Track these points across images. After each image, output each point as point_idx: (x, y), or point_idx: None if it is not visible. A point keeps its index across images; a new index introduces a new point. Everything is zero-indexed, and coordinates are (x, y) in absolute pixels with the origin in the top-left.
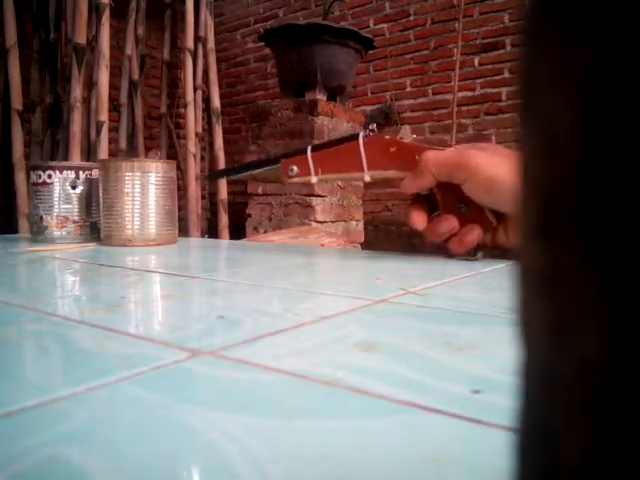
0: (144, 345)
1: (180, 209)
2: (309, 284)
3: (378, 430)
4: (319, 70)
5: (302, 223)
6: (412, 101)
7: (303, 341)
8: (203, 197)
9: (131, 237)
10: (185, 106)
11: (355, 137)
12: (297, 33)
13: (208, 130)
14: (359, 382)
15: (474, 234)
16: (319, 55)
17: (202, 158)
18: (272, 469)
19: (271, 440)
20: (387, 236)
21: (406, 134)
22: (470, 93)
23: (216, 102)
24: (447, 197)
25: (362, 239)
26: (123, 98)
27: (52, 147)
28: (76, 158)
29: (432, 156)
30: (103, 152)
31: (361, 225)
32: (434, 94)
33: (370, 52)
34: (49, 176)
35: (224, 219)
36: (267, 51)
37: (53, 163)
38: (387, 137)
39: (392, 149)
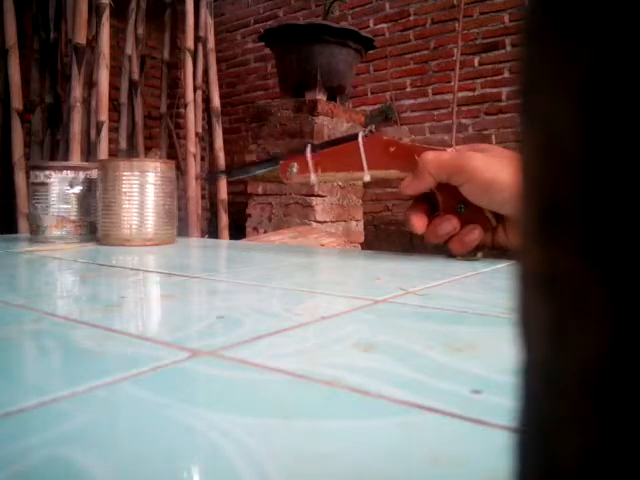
0: (144, 345)
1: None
2: (309, 284)
3: (378, 430)
4: (319, 70)
5: (302, 223)
6: (412, 101)
7: (303, 341)
8: (203, 197)
9: (129, 237)
10: (185, 106)
11: (355, 137)
12: (297, 33)
13: (208, 130)
14: (359, 382)
15: (475, 234)
16: (319, 55)
17: (202, 158)
18: (272, 469)
19: (271, 440)
20: (387, 236)
21: (404, 134)
22: (470, 93)
23: (216, 102)
24: (447, 198)
25: (362, 239)
26: (123, 98)
27: (52, 147)
28: (76, 158)
29: (431, 157)
30: (103, 152)
31: (361, 225)
32: (434, 94)
33: (370, 52)
34: (48, 176)
35: (224, 219)
36: (267, 51)
37: (52, 163)
38: (386, 137)
39: (392, 149)
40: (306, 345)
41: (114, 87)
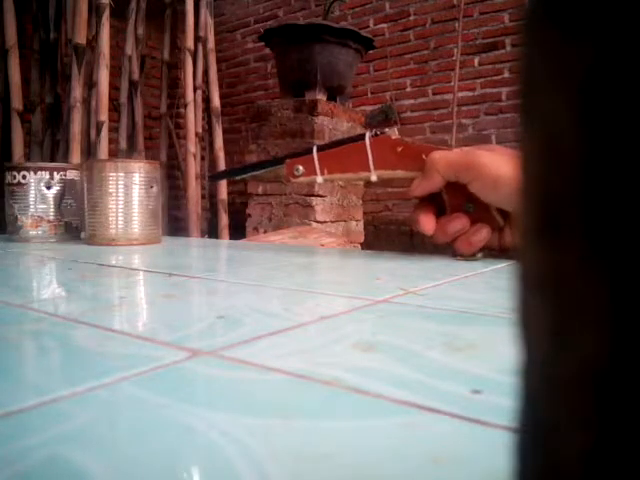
0: (144, 345)
1: (180, 209)
2: (309, 284)
3: (378, 430)
4: (319, 70)
5: (302, 223)
6: (412, 101)
7: (303, 341)
8: (203, 197)
9: (115, 236)
10: (185, 106)
11: (362, 137)
12: (297, 33)
13: (208, 130)
14: (359, 382)
15: (482, 233)
16: (319, 55)
17: (202, 158)
18: (272, 469)
19: (271, 440)
20: (387, 236)
21: (393, 135)
22: (470, 93)
23: (216, 102)
24: (454, 197)
25: (362, 239)
26: (123, 98)
27: (52, 147)
28: (76, 158)
29: (439, 156)
30: (103, 152)
31: (361, 225)
32: (434, 94)
33: (370, 52)
34: (24, 177)
35: (224, 219)
36: (267, 51)
37: (28, 164)
38: (393, 137)
39: (399, 149)
40: (306, 345)
41: (114, 87)
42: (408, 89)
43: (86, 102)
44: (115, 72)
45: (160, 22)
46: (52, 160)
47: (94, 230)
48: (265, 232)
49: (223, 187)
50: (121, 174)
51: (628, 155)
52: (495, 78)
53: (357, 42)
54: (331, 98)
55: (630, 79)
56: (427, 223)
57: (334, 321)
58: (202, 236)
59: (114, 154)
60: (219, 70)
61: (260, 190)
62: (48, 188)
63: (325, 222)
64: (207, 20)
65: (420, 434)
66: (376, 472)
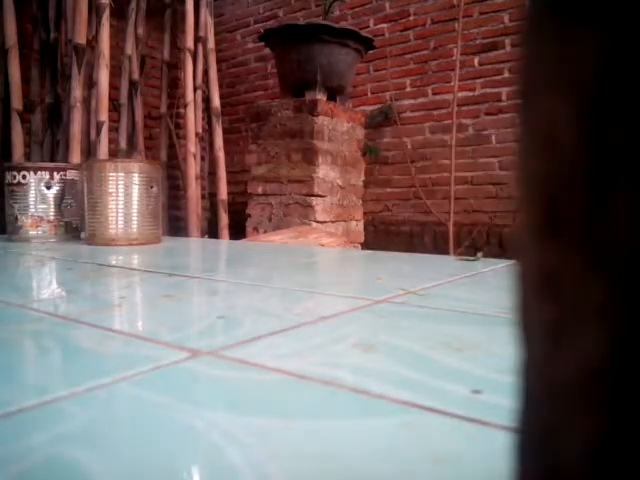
0: (144, 345)
1: (180, 209)
2: (309, 284)
3: (378, 430)
4: (319, 70)
5: (302, 223)
6: (412, 101)
7: (303, 341)
8: (203, 197)
9: (115, 236)
10: (185, 106)
11: None
12: (297, 33)
13: (208, 130)
14: (359, 382)
15: None
16: (319, 55)
17: (202, 158)
18: (272, 469)
19: (271, 440)
20: (387, 236)
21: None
22: (470, 93)
23: (216, 102)
24: None
25: (362, 239)
26: (123, 98)
27: (52, 147)
28: (76, 158)
29: None
30: (103, 152)
31: (361, 225)
32: (434, 94)
33: (370, 52)
34: (24, 177)
35: (224, 219)
36: (267, 51)
37: (28, 164)
38: None
39: None
40: (306, 345)
41: (114, 87)
42: (408, 89)
43: (86, 102)
44: (115, 72)
45: (160, 22)
46: (52, 160)
47: (94, 230)
48: (265, 232)
49: (223, 187)
50: (121, 174)
51: (628, 155)
52: (495, 78)
53: (357, 42)
54: (331, 98)
55: (631, 79)
56: None
57: (334, 321)
58: (202, 236)
59: (114, 154)
60: (219, 70)
61: (260, 190)
62: (48, 188)
63: (325, 222)
64: (207, 20)
65: (420, 434)
66: (376, 472)
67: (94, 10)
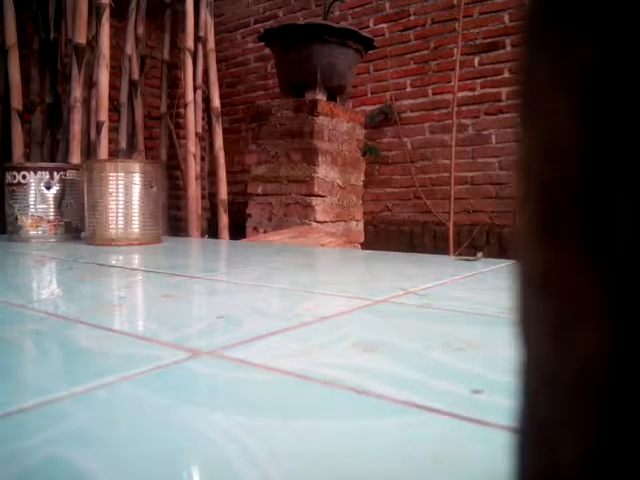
0: (144, 345)
1: (180, 209)
2: (309, 284)
3: (378, 430)
4: (319, 70)
5: (302, 223)
6: (412, 101)
7: (303, 341)
8: (203, 197)
9: (115, 236)
10: (185, 106)
11: None
12: (297, 33)
13: (208, 130)
14: (359, 382)
15: None
16: (319, 55)
17: (202, 158)
18: (272, 469)
19: (271, 440)
20: (387, 236)
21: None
22: (470, 93)
23: (216, 102)
24: None
25: (362, 239)
26: (123, 98)
27: (52, 147)
28: (76, 158)
29: None
30: (103, 152)
31: (361, 225)
32: (434, 94)
33: (370, 52)
34: (24, 177)
35: (224, 219)
36: (267, 51)
37: (28, 164)
38: None
39: None
40: (306, 345)
41: (114, 87)
42: (408, 89)
43: (86, 102)
44: (115, 72)
45: (160, 22)
46: (52, 160)
47: (94, 230)
48: (265, 232)
49: (223, 187)
50: (121, 174)
51: (628, 155)
52: (495, 78)
53: (357, 42)
54: (331, 98)
55: (632, 79)
56: None
57: (334, 321)
58: (202, 236)
59: (114, 154)
60: (219, 70)
61: (260, 190)
62: (48, 188)
63: (325, 222)
64: (207, 20)
65: (420, 434)
66: (376, 472)
67: (94, 10)
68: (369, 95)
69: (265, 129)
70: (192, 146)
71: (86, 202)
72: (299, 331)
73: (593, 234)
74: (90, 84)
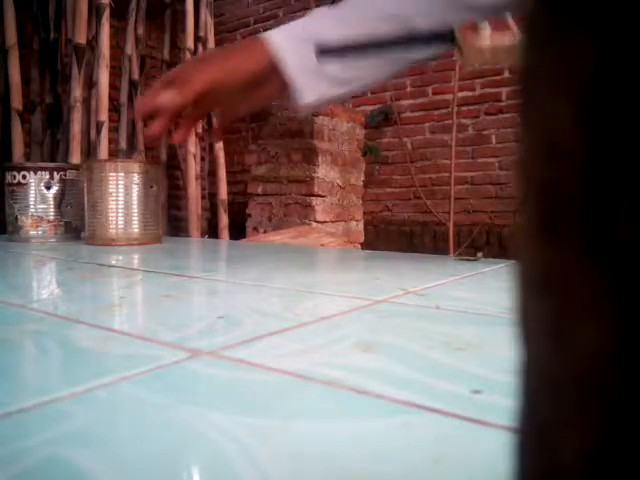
0: (144, 345)
1: (180, 209)
2: (309, 284)
3: (378, 430)
4: None
5: (302, 223)
6: (412, 101)
7: (303, 341)
8: (203, 197)
9: (115, 236)
10: None
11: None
12: None
13: (208, 130)
14: (359, 382)
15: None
16: None
17: (202, 158)
18: (272, 469)
19: (271, 440)
20: (387, 236)
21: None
22: (470, 93)
23: None
24: None
25: (362, 239)
26: (123, 98)
27: (52, 147)
28: (76, 158)
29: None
30: (103, 152)
31: (361, 225)
32: (434, 94)
33: None
34: (24, 177)
35: (224, 219)
36: None
37: (28, 164)
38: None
39: None
40: (306, 345)
41: (114, 87)
42: (408, 89)
43: (86, 102)
44: (115, 72)
45: (160, 22)
46: (52, 160)
47: (94, 230)
48: (265, 232)
49: (223, 187)
50: (121, 174)
51: (629, 155)
52: (495, 78)
53: None
54: None
55: (633, 79)
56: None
57: (334, 321)
58: (202, 236)
59: (114, 154)
60: None
61: (260, 190)
62: (48, 188)
63: (325, 222)
64: (207, 20)
65: (420, 434)
66: (376, 472)
67: (94, 10)
68: (369, 95)
69: (265, 129)
70: (192, 146)
71: (86, 202)
72: (299, 331)
73: (593, 234)
74: (90, 84)
